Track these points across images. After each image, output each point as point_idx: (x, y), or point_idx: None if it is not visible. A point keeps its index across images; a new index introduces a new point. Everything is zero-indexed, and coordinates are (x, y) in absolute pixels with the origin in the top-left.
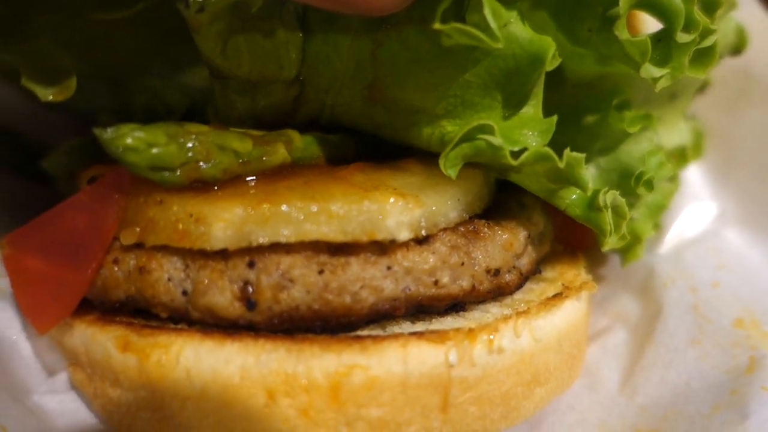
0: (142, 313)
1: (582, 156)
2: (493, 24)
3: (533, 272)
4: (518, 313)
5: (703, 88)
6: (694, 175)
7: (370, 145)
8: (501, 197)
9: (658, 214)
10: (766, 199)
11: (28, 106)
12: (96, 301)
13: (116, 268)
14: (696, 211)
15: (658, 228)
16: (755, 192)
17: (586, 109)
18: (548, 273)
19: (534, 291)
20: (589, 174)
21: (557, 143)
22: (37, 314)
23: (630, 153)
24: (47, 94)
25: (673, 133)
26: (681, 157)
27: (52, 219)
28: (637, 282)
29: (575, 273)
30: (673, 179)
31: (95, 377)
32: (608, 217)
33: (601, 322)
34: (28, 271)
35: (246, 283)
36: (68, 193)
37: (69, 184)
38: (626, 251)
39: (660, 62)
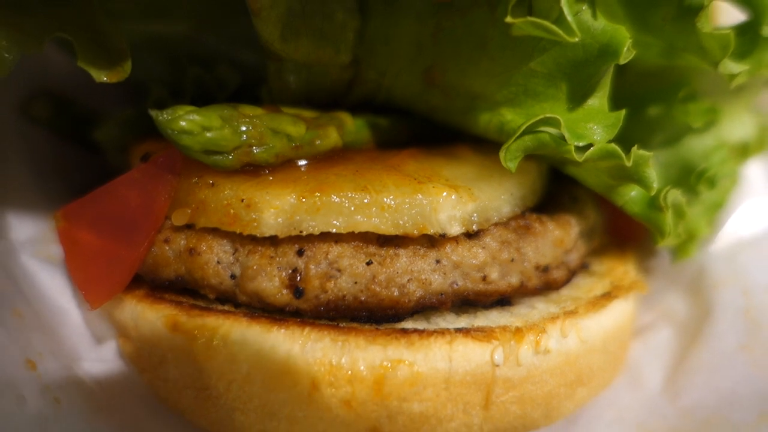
0: (190, 292)
1: (650, 154)
2: (570, 17)
3: (581, 267)
4: (566, 313)
5: None
6: (754, 171)
7: (422, 128)
8: (553, 189)
9: (715, 212)
10: None
11: (82, 74)
12: (146, 278)
13: (167, 248)
14: (754, 208)
15: (714, 226)
16: None
17: (648, 100)
18: (596, 267)
19: (581, 287)
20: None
21: (617, 135)
22: (91, 289)
23: (692, 148)
24: (101, 76)
25: (736, 127)
26: (743, 151)
27: (105, 194)
28: (686, 280)
29: (624, 270)
30: (732, 176)
31: (143, 352)
32: (668, 217)
33: (645, 318)
34: (81, 245)
35: (294, 270)
36: (118, 164)
37: (120, 156)
38: (679, 248)
39: (740, 57)
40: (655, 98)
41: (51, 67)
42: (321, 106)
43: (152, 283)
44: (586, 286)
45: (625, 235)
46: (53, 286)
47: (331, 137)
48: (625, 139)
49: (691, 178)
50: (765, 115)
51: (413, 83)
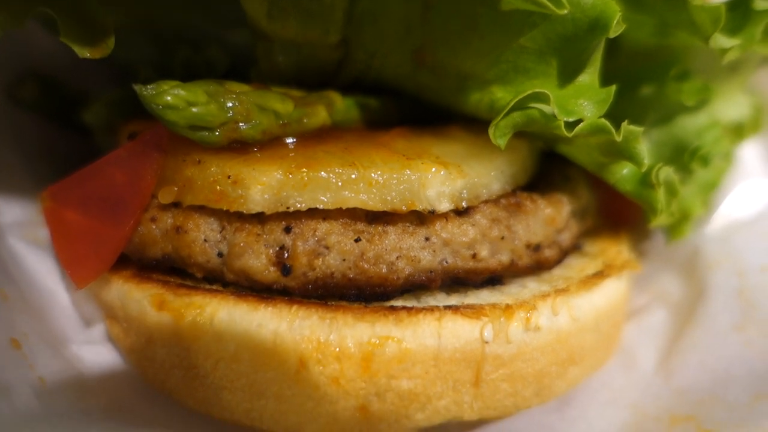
0: (177, 271)
1: (640, 130)
2: None
3: (574, 247)
4: (557, 291)
5: (766, 60)
6: (749, 152)
7: (412, 109)
8: (546, 169)
9: (709, 192)
10: None
11: (69, 55)
12: (133, 258)
13: (154, 226)
14: (749, 190)
15: (707, 206)
16: None
17: (641, 78)
18: (589, 248)
19: (573, 267)
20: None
21: (609, 114)
22: (76, 268)
23: (685, 126)
24: (84, 52)
25: (730, 106)
26: (738, 132)
27: (91, 174)
28: (680, 261)
29: (617, 250)
30: (727, 156)
31: (131, 332)
32: (660, 194)
33: (640, 300)
34: (67, 224)
35: (282, 248)
36: (106, 145)
37: (108, 137)
38: (673, 228)
39: (731, 32)
40: (647, 77)
41: (38, 49)
42: (311, 87)
43: (139, 263)
44: (578, 266)
45: (620, 217)
46: (41, 269)
47: (319, 115)
48: (618, 117)
49: (684, 156)
50: (760, 96)
51: (403, 63)
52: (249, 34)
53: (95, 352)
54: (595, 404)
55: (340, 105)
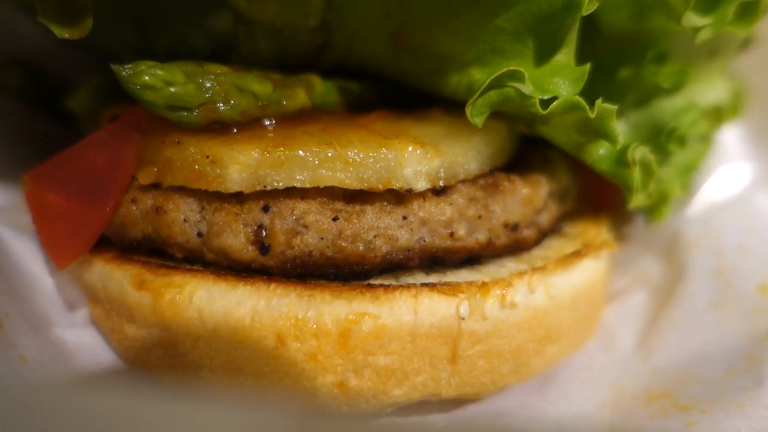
0: (159, 252)
1: (614, 107)
2: None
3: (553, 229)
4: (534, 269)
5: (745, 45)
6: (729, 136)
7: (394, 93)
8: (525, 151)
9: (688, 174)
10: None
11: (53, 43)
12: (114, 239)
13: (134, 207)
14: (728, 174)
15: (687, 189)
16: None
17: (620, 61)
18: (569, 230)
19: (552, 248)
20: (623, 130)
21: (589, 97)
22: (57, 249)
23: (663, 108)
24: (63, 32)
25: (709, 91)
26: (716, 116)
27: (72, 156)
28: (660, 244)
29: (596, 231)
30: (706, 139)
31: (112, 313)
32: (636, 173)
33: (621, 283)
34: (48, 206)
35: (260, 226)
36: (90, 131)
37: (92, 123)
38: (652, 210)
39: (703, 11)
40: (626, 60)
41: (21, 36)
42: (293, 71)
43: (121, 244)
44: (557, 247)
45: (602, 201)
46: (25, 254)
47: (298, 98)
48: (597, 99)
49: (661, 137)
50: (739, 80)
51: (382, 47)
52: (231, 19)
53: (78, 335)
54: (575, 384)
55: (320, 88)
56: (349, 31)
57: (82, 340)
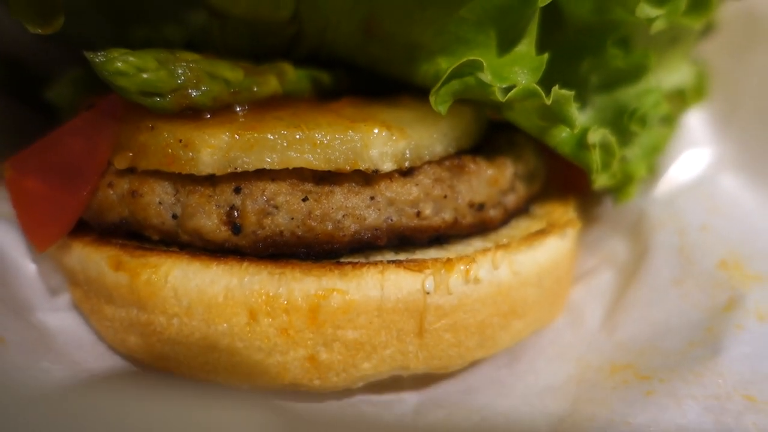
0: (136, 236)
1: (571, 93)
2: None
3: (521, 210)
4: (498, 246)
5: (707, 31)
6: (695, 121)
7: (367, 81)
8: (493, 135)
9: (653, 156)
10: (764, 142)
11: (32, 37)
12: (93, 223)
13: (111, 192)
14: (694, 156)
15: (653, 170)
16: (755, 136)
17: (584, 49)
18: (537, 211)
19: (520, 228)
20: (588, 114)
21: (553, 84)
22: (36, 233)
23: (626, 92)
24: (36, 28)
25: (673, 75)
26: (681, 98)
27: (51, 143)
28: (627, 225)
29: (563, 212)
30: (671, 122)
31: (91, 295)
32: (596, 155)
33: (590, 263)
34: (28, 192)
35: (232, 208)
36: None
37: (72, 114)
38: (618, 191)
39: (656, 3)
40: (590, 46)
41: (2, 31)
42: (267, 61)
43: (99, 228)
44: (524, 227)
45: (572, 184)
46: (6, 241)
47: (270, 84)
48: (563, 87)
49: (624, 118)
50: (703, 65)
51: (353, 35)
52: (206, 12)
53: (59, 318)
54: (543, 359)
55: (292, 75)
56: (320, 21)
57: (64, 323)
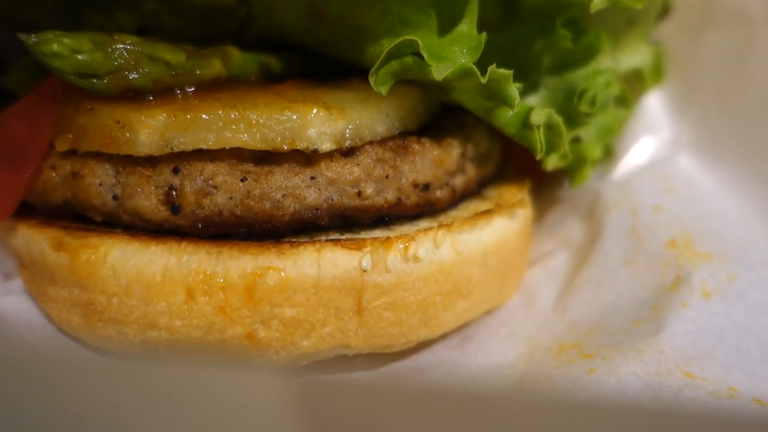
0: (81, 218)
1: (509, 72)
2: None
3: (471, 192)
4: (440, 226)
5: (665, 13)
6: (653, 103)
7: (318, 65)
8: (443, 117)
9: (608, 137)
10: (721, 123)
11: None
12: (39, 206)
13: (53, 174)
14: (652, 139)
15: (610, 152)
16: (711, 117)
17: (537, 31)
18: (490, 193)
19: (470, 209)
20: (541, 95)
21: (507, 68)
22: None
23: (576, 73)
24: None
25: (632, 57)
26: (638, 80)
27: None
28: (584, 207)
29: (514, 193)
30: (627, 104)
31: (37, 276)
32: (540, 135)
33: (548, 246)
34: None
35: (171, 188)
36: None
37: None
38: (573, 173)
39: None
40: (542, 30)
41: None
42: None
43: (45, 210)
44: (473, 208)
45: (531, 169)
46: None
47: (213, 67)
48: (517, 70)
49: (573, 99)
50: (661, 46)
51: (301, 19)
52: None
53: (11, 301)
54: (494, 339)
55: (238, 59)
56: (268, 5)
57: (15, 306)
